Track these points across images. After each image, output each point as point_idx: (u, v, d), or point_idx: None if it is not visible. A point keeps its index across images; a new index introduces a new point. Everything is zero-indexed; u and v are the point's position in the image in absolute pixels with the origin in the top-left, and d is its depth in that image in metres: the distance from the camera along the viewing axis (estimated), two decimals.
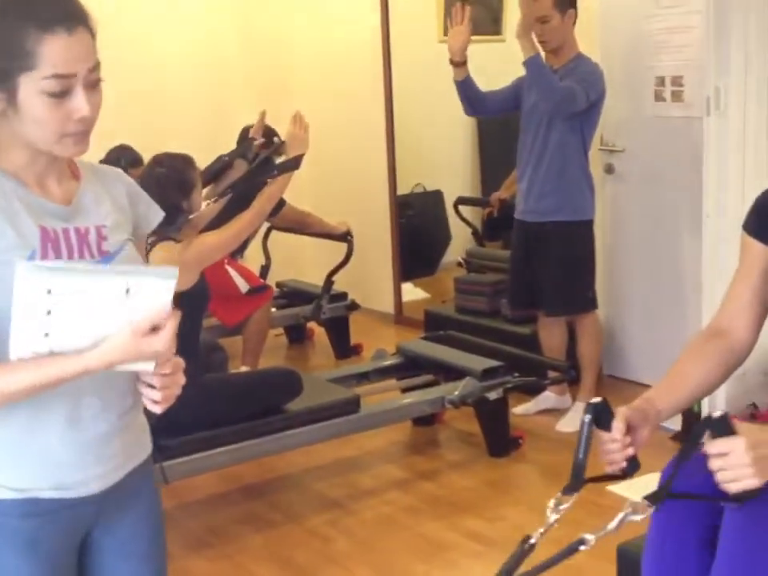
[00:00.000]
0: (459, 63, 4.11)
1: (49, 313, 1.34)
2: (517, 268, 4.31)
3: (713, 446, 1.53)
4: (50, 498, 1.48)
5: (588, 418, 1.67)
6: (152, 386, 1.48)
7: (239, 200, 3.56)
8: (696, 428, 1.59)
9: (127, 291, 1.37)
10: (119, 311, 1.37)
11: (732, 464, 1.50)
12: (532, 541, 1.64)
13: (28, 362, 1.36)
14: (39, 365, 1.36)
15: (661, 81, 4.29)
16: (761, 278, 1.84)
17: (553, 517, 1.69)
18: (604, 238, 4.46)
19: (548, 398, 4.33)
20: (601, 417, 1.70)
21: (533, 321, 4.43)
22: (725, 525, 1.65)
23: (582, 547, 1.61)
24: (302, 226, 5.10)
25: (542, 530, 1.67)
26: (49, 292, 1.33)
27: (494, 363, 3.88)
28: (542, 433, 4.09)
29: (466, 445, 4.02)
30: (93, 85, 1.46)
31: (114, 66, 5.63)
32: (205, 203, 3.44)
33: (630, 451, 1.69)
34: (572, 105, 3.87)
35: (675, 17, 4.17)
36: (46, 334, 1.35)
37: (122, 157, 4.59)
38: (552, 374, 4.18)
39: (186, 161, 3.28)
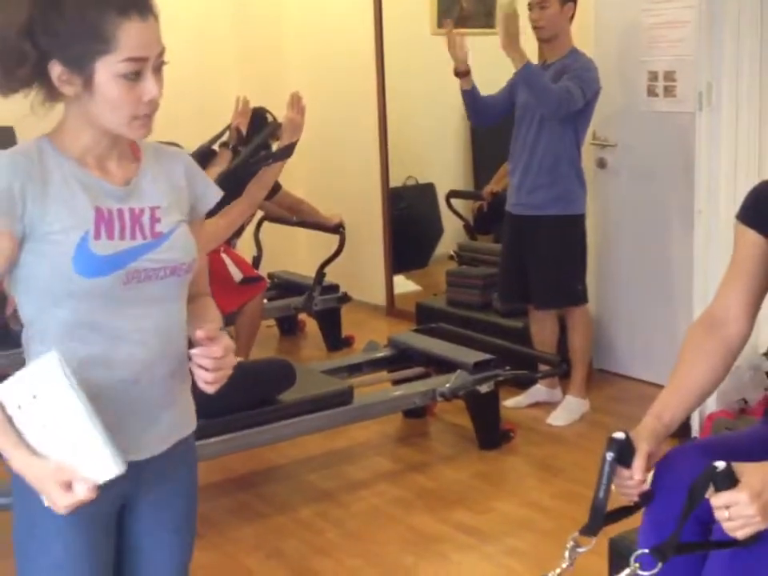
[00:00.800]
0: (464, 72, 4.11)
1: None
2: (507, 261, 4.31)
3: (718, 499, 1.52)
4: None
5: (611, 455, 1.62)
6: (204, 368, 1.57)
7: (230, 187, 3.54)
8: (699, 481, 1.57)
9: (34, 397, 1.41)
10: (33, 417, 1.42)
11: (738, 515, 1.50)
12: None
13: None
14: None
15: (654, 76, 4.30)
16: (755, 268, 1.85)
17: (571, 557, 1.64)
18: (595, 233, 4.46)
19: (539, 391, 4.35)
20: (622, 452, 1.65)
21: (524, 314, 4.44)
22: (716, 528, 1.65)
23: None
24: (295, 212, 5.10)
25: (558, 570, 1.63)
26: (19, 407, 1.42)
27: (485, 356, 3.89)
28: (532, 426, 4.11)
29: (457, 437, 4.03)
30: (159, 69, 1.55)
31: None
32: None
33: (646, 487, 1.70)
34: (569, 106, 3.87)
35: (669, 12, 4.18)
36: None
37: None
38: (543, 367, 4.20)
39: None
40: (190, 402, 1.75)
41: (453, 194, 5.71)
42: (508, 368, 3.92)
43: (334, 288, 5.27)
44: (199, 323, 1.65)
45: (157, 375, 1.60)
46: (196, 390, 2.82)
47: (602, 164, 4.59)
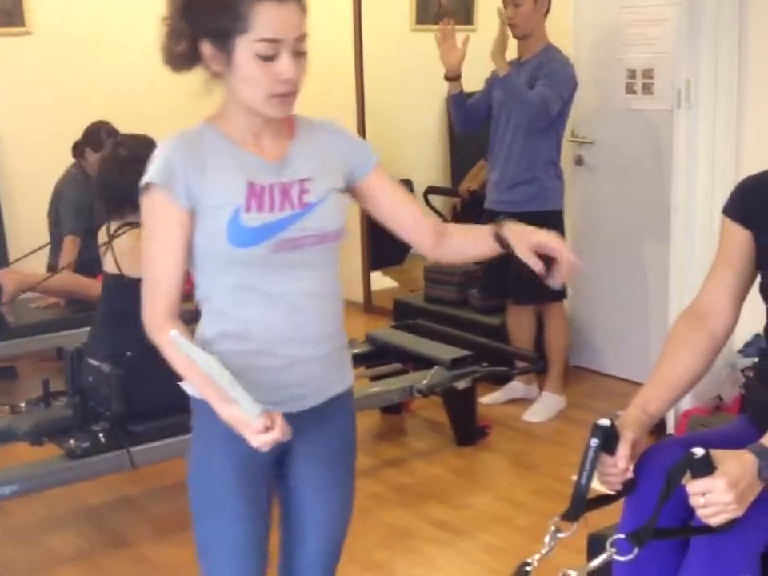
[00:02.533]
0: (454, 78, 4.10)
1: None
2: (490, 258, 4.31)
3: (694, 486, 1.53)
4: None
5: (595, 442, 1.60)
6: None
7: None
8: (677, 467, 1.58)
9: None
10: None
11: (714, 502, 1.51)
12: (528, 569, 1.60)
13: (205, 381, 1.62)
14: (206, 386, 1.63)
15: (632, 73, 4.31)
16: (740, 262, 1.86)
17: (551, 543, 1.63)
18: (572, 230, 4.47)
19: (515, 387, 4.35)
20: (607, 440, 1.64)
21: (501, 311, 4.44)
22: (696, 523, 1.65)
23: (528, 567, 1.60)
24: None
25: (537, 556, 1.61)
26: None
27: (462, 353, 3.89)
28: (509, 422, 4.11)
29: (434, 433, 4.03)
30: (298, 53, 1.63)
31: (88, 43, 5.54)
32: None
33: (630, 475, 1.69)
34: (548, 116, 3.89)
35: (647, 9, 4.19)
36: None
37: (102, 129, 4.58)
38: (520, 364, 4.20)
39: (148, 143, 3.25)
40: (345, 359, 1.87)
41: (431, 190, 5.71)
42: (485, 364, 3.92)
43: None
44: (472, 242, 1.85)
45: (311, 334, 1.73)
46: (174, 387, 2.82)
47: (579, 161, 4.60)
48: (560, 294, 4.20)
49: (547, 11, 4.05)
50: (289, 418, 1.62)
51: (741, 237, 1.86)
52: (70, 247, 4.55)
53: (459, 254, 1.93)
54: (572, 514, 1.63)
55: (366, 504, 3.40)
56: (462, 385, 3.79)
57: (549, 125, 3.96)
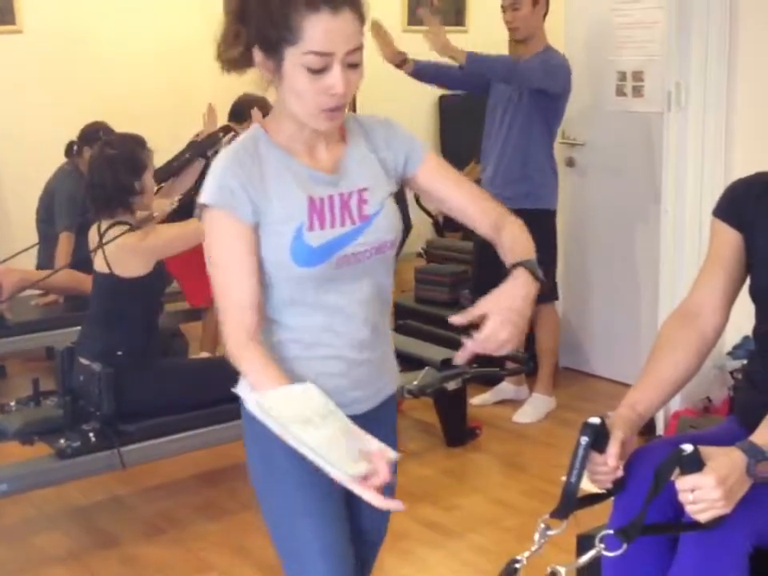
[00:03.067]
0: (398, 65, 4.09)
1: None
2: (480, 256, 4.31)
3: (683, 483, 1.53)
4: None
5: (585, 440, 1.59)
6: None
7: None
8: (666, 463, 1.58)
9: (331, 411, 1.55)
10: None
11: (702, 498, 1.51)
12: (517, 566, 1.58)
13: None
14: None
15: (622, 75, 4.32)
16: (731, 262, 1.87)
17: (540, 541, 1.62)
18: (563, 231, 4.48)
19: (505, 388, 4.36)
20: (597, 437, 1.64)
21: None
22: (687, 516, 1.66)
23: (517, 565, 1.59)
24: None
25: (527, 553, 1.60)
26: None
27: (452, 354, 3.87)
28: (499, 423, 4.12)
29: (424, 434, 4.04)
30: (351, 65, 1.56)
31: (79, 42, 5.52)
32: (168, 202, 3.42)
33: (620, 473, 1.69)
34: (525, 78, 3.87)
35: (638, 12, 4.21)
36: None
37: (100, 128, 4.56)
38: (510, 365, 4.21)
39: (136, 141, 3.25)
40: (394, 360, 1.87)
41: None
42: (475, 365, 3.92)
43: None
44: (508, 255, 1.75)
45: (365, 338, 1.72)
46: (165, 387, 2.85)
47: (570, 163, 4.61)
48: (551, 295, 4.21)
49: (545, 14, 4.06)
50: (353, 420, 1.61)
51: (731, 238, 1.87)
52: (65, 243, 4.53)
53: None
54: (561, 512, 1.63)
55: None
56: (452, 386, 3.79)
57: (540, 115, 3.95)
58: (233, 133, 3.77)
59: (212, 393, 3.34)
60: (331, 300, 1.67)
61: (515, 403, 4.27)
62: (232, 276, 1.61)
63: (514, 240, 1.79)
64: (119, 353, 3.10)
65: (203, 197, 1.61)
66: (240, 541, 3.17)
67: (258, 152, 1.64)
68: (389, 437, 1.79)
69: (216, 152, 3.72)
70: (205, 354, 4.42)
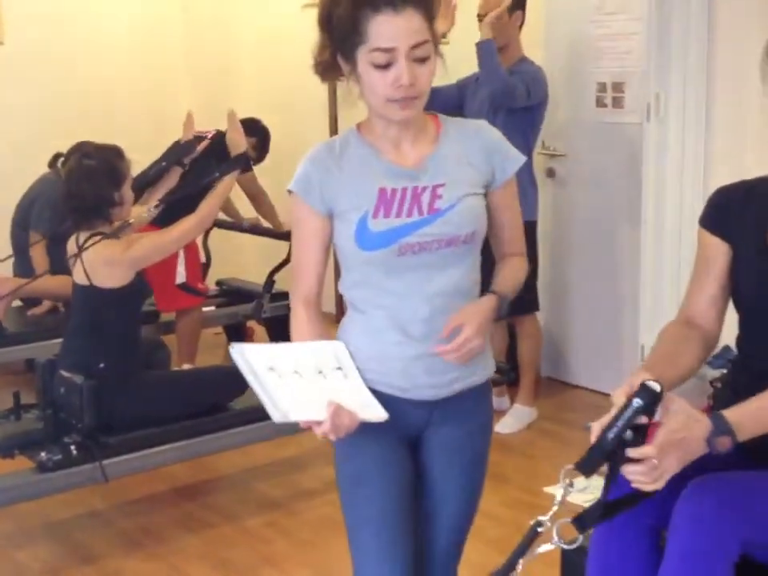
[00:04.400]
0: None
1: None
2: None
3: (634, 452, 1.51)
4: (383, 392, 1.80)
5: (638, 402, 1.46)
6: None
7: (184, 200, 3.54)
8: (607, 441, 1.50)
9: (339, 369, 1.75)
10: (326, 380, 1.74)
11: (642, 471, 1.49)
12: (540, 529, 1.50)
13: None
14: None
15: (602, 87, 4.35)
16: (719, 271, 1.88)
17: (559, 493, 1.49)
18: (544, 242, 4.49)
19: None
20: (649, 405, 1.49)
21: None
22: (675, 518, 1.66)
23: (540, 528, 1.51)
24: (255, 202, 5.06)
25: (550, 513, 1.49)
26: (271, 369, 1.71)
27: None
28: None
29: None
30: (418, 59, 1.71)
31: (60, 54, 5.48)
32: (146, 209, 3.40)
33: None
34: (511, 97, 3.89)
35: (617, 23, 4.23)
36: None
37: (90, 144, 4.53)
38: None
39: (115, 152, 3.23)
40: (484, 355, 1.90)
41: None
42: None
43: (284, 295, 5.22)
44: (496, 279, 1.91)
45: (438, 330, 1.78)
46: (147, 399, 2.89)
47: (551, 174, 4.62)
48: (533, 306, 4.22)
49: (521, 24, 4.08)
50: (421, 406, 1.84)
51: (718, 247, 1.87)
52: (40, 248, 4.50)
53: None
54: (588, 466, 1.49)
55: (338, 516, 3.37)
56: None
57: (519, 127, 3.97)
58: (208, 140, 3.76)
59: (195, 405, 3.34)
60: (397, 287, 1.80)
61: (497, 414, 4.26)
62: (299, 250, 1.87)
63: (508, 273, 1.97)
64: (101, 365, 3.08)
65: (291, 183, 1.84)
66: (220, 554, 3.15)
67: (345, 148, 1.83)
68: (462, 429, 1.90)
69: (195, 159, 3.73)
70: (187, 366, 4.40)
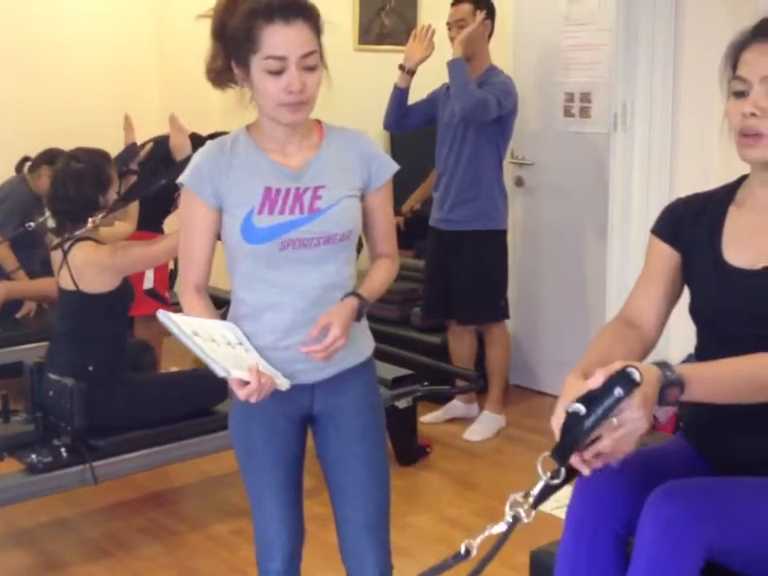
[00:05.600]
0: (409, 72, 4.12)
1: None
2: (432, 276, 4.33)
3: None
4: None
5: (620, 392, 1.42)
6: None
7: (154, 200, 3.53)
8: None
9: (240, 344, 1.93)
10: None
11: (628, 419, 1.43)
12: (524, 519, 1.44)
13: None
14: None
15: (570, 97, 4.39)
16: (666, 279, 1.89)
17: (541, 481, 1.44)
18: (513, 250, 4.52)
19: (456, 406, 4.37)
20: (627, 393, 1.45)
21: (443, 330, 4.46)
22: (641, 524, 1.67)
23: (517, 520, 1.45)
24: None
25: (534, 490, 1.44)
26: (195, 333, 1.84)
27: (403, 372, 3.89)
28: (449, 441, 4.12)
29: None
30: (307, 67, 1.86)
31: (30, 60, 5.42)
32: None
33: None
34: (484, 112, 3.92)
35: (585, 34, 4.27)
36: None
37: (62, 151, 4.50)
38: (460, 383, 4.22)
39: (102, 156, 3.23)
40: (356, 338, 2.02)
41: None
42: (426, 383, 3.92)
43: None
44: (365, 281, 2.05)
45: (313, 321, 1.93)
46: (136, 401, 2.95)
47: (519, 182, 4.65)
48: (502, 314, 4.24)
49: (491, 34, 4.10)
50: (302, 389, 2.00)
51: (668, 256, 1.89)
52: (6, 252, 4.46)
53: None
54: (562, 454, 1.45)
55: (308, 526, 3.35)
56: (402, 404, 3.79)
57: (490, 137, 4.00)
58: (150, 145, 3.74)
59: (183, 407, 3.34)
60: (282, 280, 1.95)
61: (466, 421, 4.28)
62: (190, 241, 1.99)
63: (375, 276, 2.10)
64: (90, 368, 3.07)
65: (180, 178, 1.96)
66: (186, 562, 3.13)
67: (235, 147, 1.96)
68: (349, 405, 2.07)
69: (141, 163, 3.71)
70: (174, 368, 4.37)
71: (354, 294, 2.00)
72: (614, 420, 1.44)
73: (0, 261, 4.47)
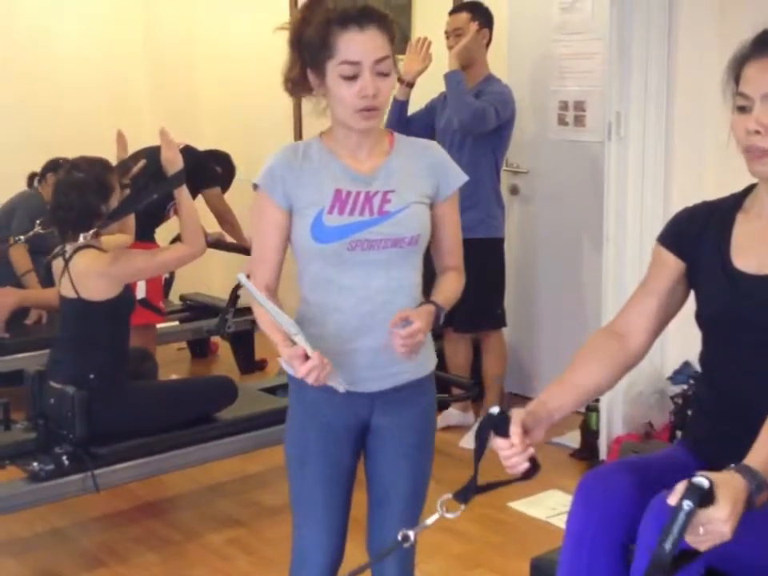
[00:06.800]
0: (408, 84, 4.13)
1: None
2: (429, 284, 4.32)
3: (699, 518, 1.45)
4: (327, 384, 1.92)
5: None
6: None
7: (147, 211, 3.53)
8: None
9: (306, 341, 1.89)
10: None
11: (713, 531, 1.46)
12: (411, 539, 1.67)
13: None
14: (274, 330, 1.93)
15: (564, 105, 4.39)
16: (669, 288, 1.89)
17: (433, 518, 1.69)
18: (509, 258, 4.52)
19: (451, 414, 4.36)
20: (499, 426, 1.68)
21: (438, 338, 4.45)
22: (642, 531, 1.66)
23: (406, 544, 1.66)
24: (220, 219, 5.05)
25: (418, 528, 1.69)
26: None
27: None
28: (445, 449, 4.10)
29: None
30: (380, 73, 1.90)
31: (25, 67, 5.42)
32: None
33: (531, 450, 1.69)
34: (482, 123, 3.93)
35: (579, 43, 4.28)
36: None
37: (63, 159, 4.50)
38: (456, 390, 4.22)
39: (104, 165, 3.23)
40: (424, 352, 2.01)
41: None
42: None
43: (248, 310, 5.18)
44: (435, 291, 2.07)
45: (378, 326, 1.95)
46: (137, 409, 3.18)
47: (514, 190, 4.66)
48: (499, 322, 4.24)
49: (488, 42, 4.12)
50: (362, 398, 2.01)
51: (672, 266, 1.89)
52: (20, 252, 4.46)
53: None
54: (463, 496, 1.69)
55: None
56: None
57: (487, 145, 4.00)
58: (143, 162, 3.74)
59: (184, 414, 3.34)
60: (348, 282, 1.97)
61: (461, 429, 4.28)
62: (261, 241, 2.04)
63: (446, 286, 2.11)
64: (91, 376, 3.07)
65: (255, 180, 2.01)
66: (182, 572, 3.13)
67: (308, 151, 2.01)
68: (404, 420, 2.06)
69: (135, 178, 3.71)
70: (175, 376, 4.37)
71: (430, 301, 2.01)
72: (701, 529, 1.45)
73: (14, 262, 4.48)
